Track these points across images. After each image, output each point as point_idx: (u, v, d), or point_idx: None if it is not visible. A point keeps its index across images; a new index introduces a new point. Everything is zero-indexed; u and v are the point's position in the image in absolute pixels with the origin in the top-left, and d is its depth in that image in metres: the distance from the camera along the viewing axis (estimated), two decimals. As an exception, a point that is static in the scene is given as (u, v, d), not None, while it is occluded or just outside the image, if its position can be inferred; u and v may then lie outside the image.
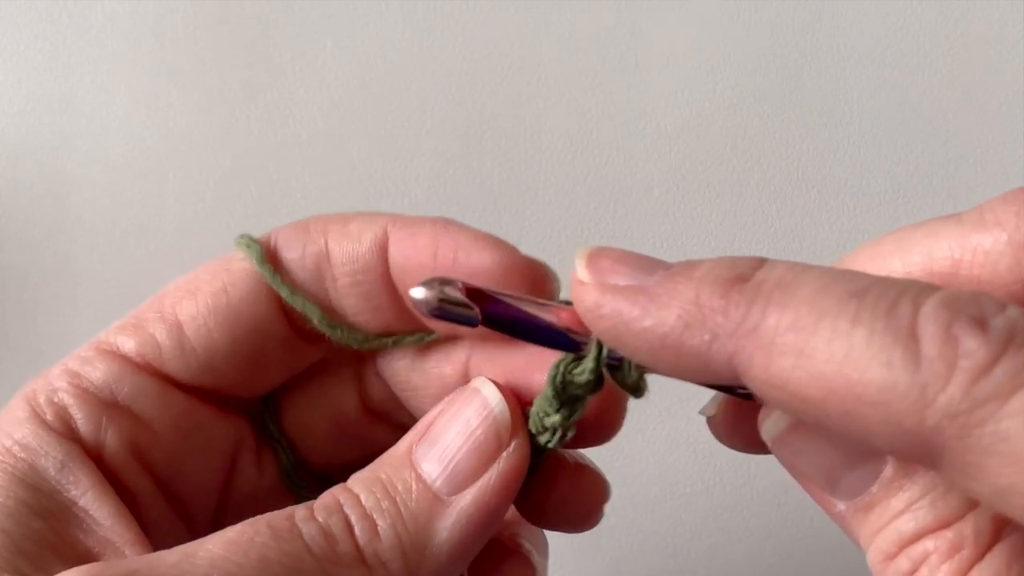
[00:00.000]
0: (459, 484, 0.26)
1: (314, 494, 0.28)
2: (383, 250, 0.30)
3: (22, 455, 0.27)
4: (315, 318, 0.30)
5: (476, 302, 0.26)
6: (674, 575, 0.60)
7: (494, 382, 0.28)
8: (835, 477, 0.25)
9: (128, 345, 0.29)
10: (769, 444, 0.26)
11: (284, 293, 0.30)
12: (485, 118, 0.61)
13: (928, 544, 0.23)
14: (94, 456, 0.28)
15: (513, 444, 0.27)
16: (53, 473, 0.27)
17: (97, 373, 0.29)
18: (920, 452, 0.20)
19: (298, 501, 0.28)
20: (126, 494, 0.28)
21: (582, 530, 0.32)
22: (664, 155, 0.61)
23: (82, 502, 0.27)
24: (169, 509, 0.30)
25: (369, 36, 0.61)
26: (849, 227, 0.61)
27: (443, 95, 0.61)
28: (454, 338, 0.31)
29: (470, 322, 0.26)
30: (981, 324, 0.19)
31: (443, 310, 0.26)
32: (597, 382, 0.27)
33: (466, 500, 0.26)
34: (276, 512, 0.26)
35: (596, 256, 0.24)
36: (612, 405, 0.30)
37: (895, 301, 0.20)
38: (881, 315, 0.20)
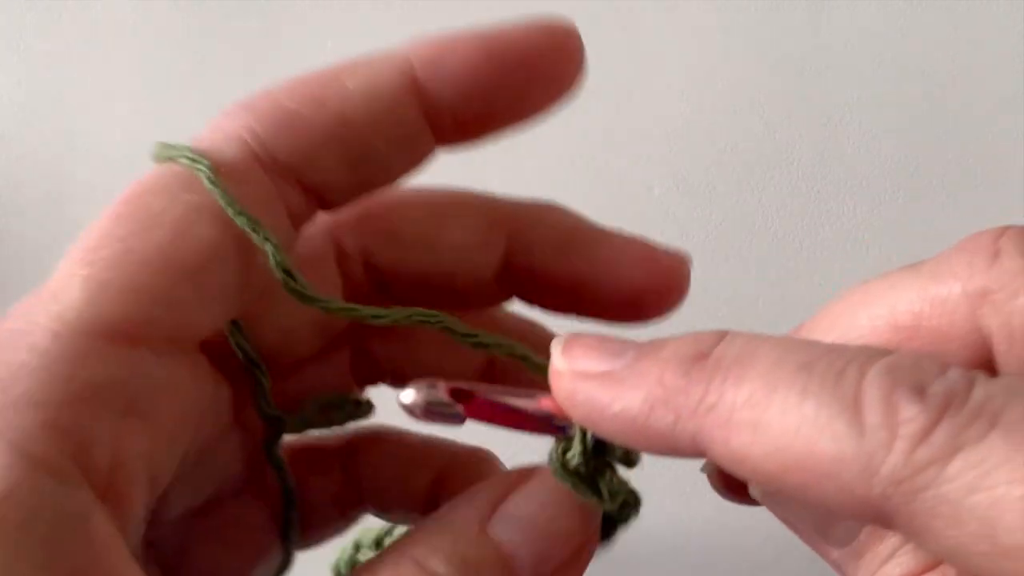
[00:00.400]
0: (547, 572, 0.26)
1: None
2: None
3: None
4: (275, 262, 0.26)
5: (459, 400, 0.27)
6: (674, 574, 0.60)
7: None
8: (825, 528, 0.25)
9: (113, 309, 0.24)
10: (759, 500, 0.27)
11: (241, 222, 0.26)
12: (485, 118, 0.61)
13: None
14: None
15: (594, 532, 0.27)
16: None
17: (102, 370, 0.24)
18: (876, 517, 0.21)
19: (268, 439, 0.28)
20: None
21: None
22: (664, 155, 0.61)
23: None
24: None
25: (369, 36, 0.61)
26: (849, 227, 0.61)
27: (443, 95, 0.61)
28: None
29: (457, 420, 0.27)
30: (920, 390, 0.20)
31: (430, 412, 0.27)
32: (594, 461, 0.28)
33: None
34: None
35: (570, 345, 0.25)
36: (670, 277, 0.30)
37: (842, 370, 0.21)
38: (828, 385, 0.21)
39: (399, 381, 0.33)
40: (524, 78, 0.30)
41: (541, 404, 0.27)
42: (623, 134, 0.61)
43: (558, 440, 0.27)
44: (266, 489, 0.33)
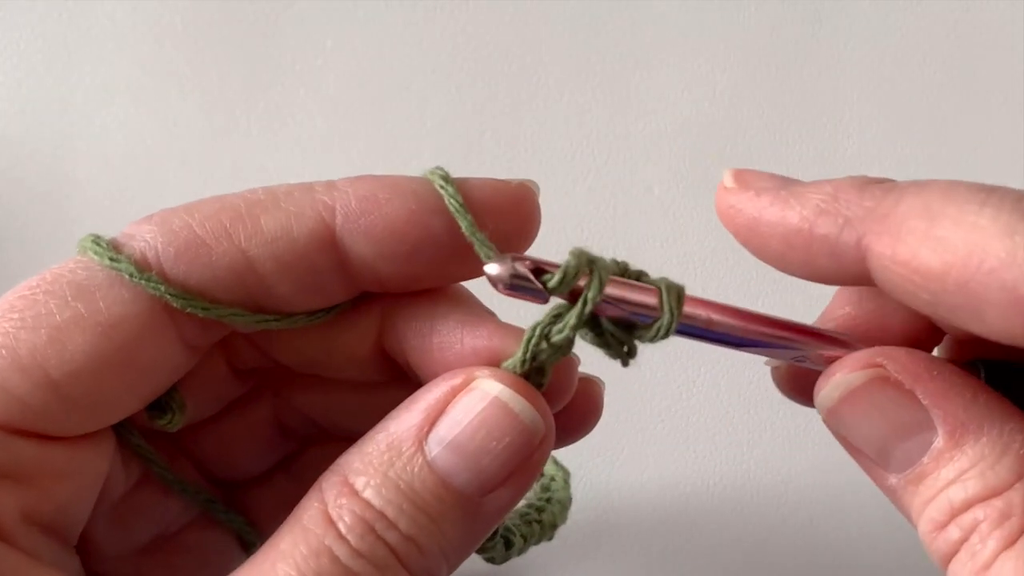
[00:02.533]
0: (491, 486, 0.26)
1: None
2: (327, 240, 0.27)
3: None
4: (201, 311, 0.26)
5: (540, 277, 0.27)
6: (674, 574, 0.60)
7: (497, 373, 0.27)
8: (886, 449, 0.25)
9: None
10: (822, 415, 0.27)
11: (170, 299, 0.26)
12: (485, 118, 0.61)
13: (978, 513, 0.23)
14: None
15: (543, 442, 0.26)
16: None
17: None
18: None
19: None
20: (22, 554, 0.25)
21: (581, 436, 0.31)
22: (664, 155, 0.61)
23: None
24: (64, 548, 0.28)
25: (369, 36, 0.61)
26: (849, 227, 0.61)
27: (443, 95, 0.61)
28: (360, 309, 0.29)
29: (540, 296, 0.27)
30: None
31: (515, 285, 0.27)
32: (570, 343, 0.27)
33: (501, 499, 0.26)
34: (297, 543, 0.24)
35: (741, 171, 0.27)
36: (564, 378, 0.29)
37: (1021, 196, 0.23)
38: (1008, 202, 0.22)
39: (321, 430, 0.33)
40: (449, 252, 0.28)
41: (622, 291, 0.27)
42: (623, 134, 0.61)
43: (543, 318, 0.27)
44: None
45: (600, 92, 0.60)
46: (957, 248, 0.22)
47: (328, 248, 0.27)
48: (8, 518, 0.25)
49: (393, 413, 0.27)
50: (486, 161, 0.60)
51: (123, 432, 0.29)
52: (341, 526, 0.25)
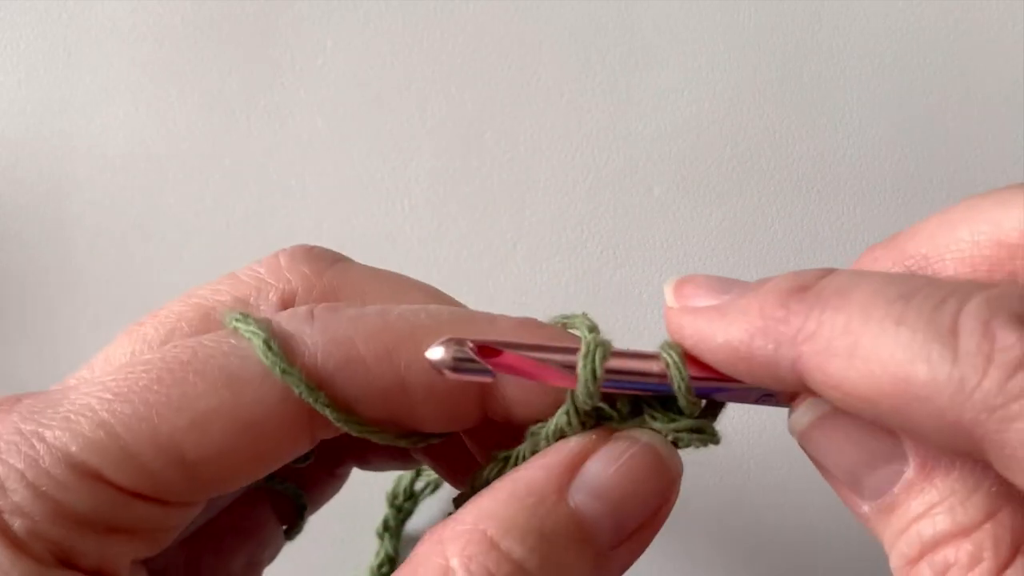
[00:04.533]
0: (626, 535, 0.26)
1: None
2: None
3: None
4: (335, 419, 0.26)
5: (487, 356, 0.27)
6: (672, 572, 0.60)
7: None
8: (858, 477, 0.25)
9: (117, 475, 0.25)
10: (796, 438, 0.27)
11: (302, 391, 0.26)
12: (485, 118, 0.61)
13: (949, 554, 0.23)
14: None
15: (676, 490, 0.27)
16: None
17: (83, 503, 0.24)
18: (965, 445, 0.21)
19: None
20: None
21: None
22: (664, 155, 0.61)
23: None
24: None
25: (369, 36, 0.61)
26: (849, 227, 0.61)
27: (443, 95, 0.61)
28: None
29: (486, 375, 0.27)
30: (1020, 320, 0.20)
31: (458, 369, 0.27)
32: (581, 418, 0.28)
33: (628, 552, 0.26)
34: None
35: (680, 284, 0.27)
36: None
37: (942, 300, 0.21)
38: (925, 315, 0.21)
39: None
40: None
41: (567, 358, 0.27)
42: (623, 134, 0.61)
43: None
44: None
45: (600, 92, 0.60)
46: (882, 375, 0.21)
47: (479, 384, 0.28)
48: (122, 567, 0.25)
49: (527, 464, 0.26)
50: (486, 161, 0.60)
51: None
52: None
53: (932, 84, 0.61)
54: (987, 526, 0.23)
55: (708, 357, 0.25)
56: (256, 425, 0.25)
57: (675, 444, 0.28)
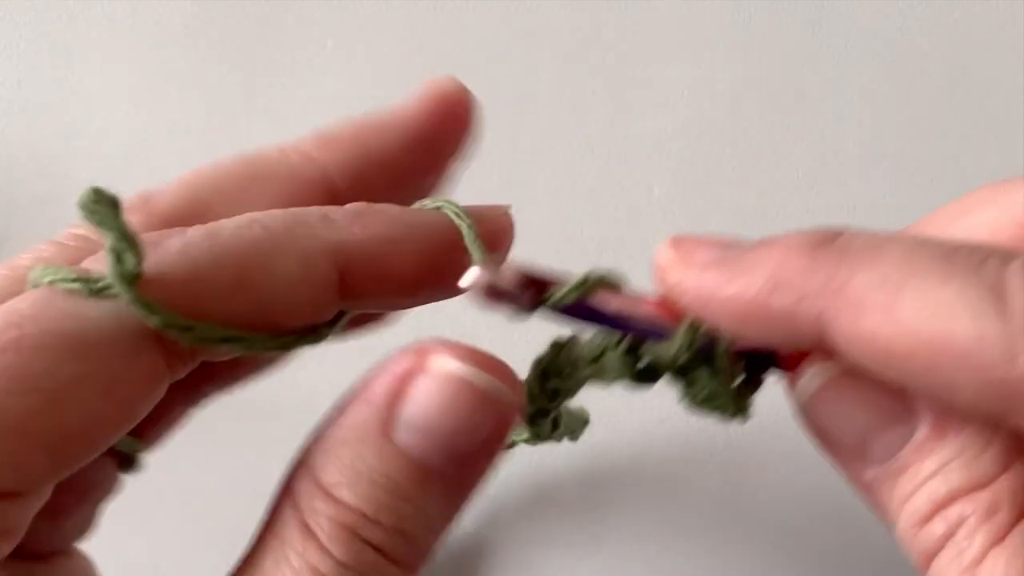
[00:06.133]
0: (468, 459, 0.25)
1: None
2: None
3: None
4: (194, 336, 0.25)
5: (529, 287, 0.26)
6: (666, 557, 0.60)
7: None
8: (865, 440, 0.25)
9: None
10: (800, 406, 0.26)
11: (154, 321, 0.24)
12: (484, 118, 0.61)
13: (964, 507, 0.23)
14: None
15: (511, 406, 0.25)
16: None
17: None
18: (1004, 405, 0.20)
19: None
20: None
21: None
22: (664, 155, 0.61)
23: None
24: None
25: (369, 36, 0.61)
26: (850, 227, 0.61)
27: (443, 95, 0.61)
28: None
29: (524, 309, 0.26)
30: None
31: (494, 295, 0.26)
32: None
33: (480, 465, 0.25)
34: (279, 563, 0.23)
35: (680, 240, 0.26)
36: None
37: (983, 261, 0.21)
38: (971, 273, 0.21)
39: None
40: (455, 283, 0.28)
41: (614, 303, 0.26)
42: (623, 134, 0.61)
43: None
44: None
45: (600, 92, 0.60)
46: (921, 330, 0.21)
47: (334, 288, 0.27)
48: None
49: (347, 402, 0.25)
50: (486, 161, 0.60)
51: None
52: (322, 536, 0.23)
53: (932, 84, 0.61)
54: (1004, 476, 0.23)
55: (715, 310, 0.24)
56: (116, 384, 0.24)
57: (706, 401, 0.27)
